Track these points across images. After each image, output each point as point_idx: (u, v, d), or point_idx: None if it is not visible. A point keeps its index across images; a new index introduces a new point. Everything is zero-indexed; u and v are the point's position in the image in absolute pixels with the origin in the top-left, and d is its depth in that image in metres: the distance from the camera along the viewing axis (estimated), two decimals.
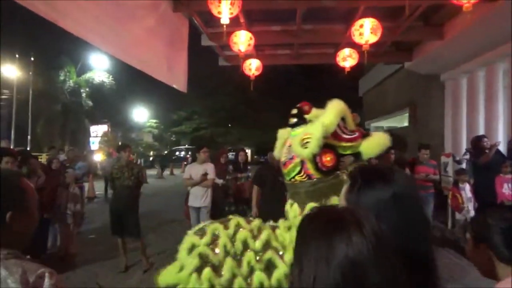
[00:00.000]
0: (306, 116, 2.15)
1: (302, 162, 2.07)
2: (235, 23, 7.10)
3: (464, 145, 9.16)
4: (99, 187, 12.95)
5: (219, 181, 6.10)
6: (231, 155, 10.58)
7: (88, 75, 25.24)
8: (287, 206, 2.20)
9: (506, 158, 6.60)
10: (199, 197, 5.42)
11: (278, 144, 2.33)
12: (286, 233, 2.05)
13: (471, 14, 6.93)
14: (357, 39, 6.32)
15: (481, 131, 8.62)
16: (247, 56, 8.77)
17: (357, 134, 2.09)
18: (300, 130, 2.11)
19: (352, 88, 21.50)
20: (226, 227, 2.00)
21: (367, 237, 0.79)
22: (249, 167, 7.04)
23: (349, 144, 2.04)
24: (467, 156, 7.29)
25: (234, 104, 29.50)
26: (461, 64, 9.37)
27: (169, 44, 7.34)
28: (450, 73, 10.11)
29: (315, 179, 2.05)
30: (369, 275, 0.76)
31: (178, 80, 7.82)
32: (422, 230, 1.05)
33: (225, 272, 1.84)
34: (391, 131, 14.88)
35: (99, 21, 5.09)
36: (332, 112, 1.98)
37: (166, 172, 23.88)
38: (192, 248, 1.93)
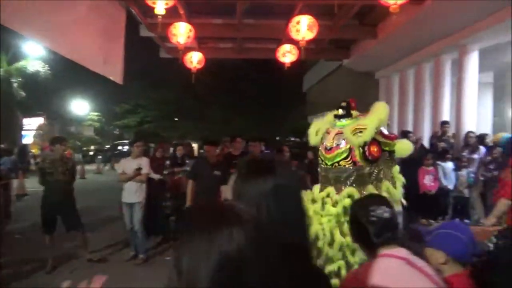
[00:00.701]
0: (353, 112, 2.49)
1: (350, 149, 2.34)
2: (174, 14, 6.95)
3: None
4: (34, 183, 12.10)
5: (155, 176, 5.96)
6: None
7: (20, 64, 23.44)
8: (315, 189, 2.49)
9: (428, 151, 7.10)
10: (133, 193, 5.27)
11: (313, 132, 2.58)
12: (310, 204, 2.39)
13: (398, 15, 7.35)
14: (294, 35, 6.45)
15: (410, 126, 9.21)
16: (188, 48, 8.65)
17: (394, 135, 2.47)
18: (347, 122, 2.42)
19: (297, 84, 21.97)
20: None
21: (248, 233, 0.79)
22: (187, 161, 6.95)
23: (389, 141, 2.38)
24: None
25: (180, 98, 28.84)
26: (393, 63, 9.92)
27: (104, 34, 7.00)
28: (384, 71, 10.67)
29: (359, 166, 2.34)
30: (248, 271, 0.77)
31: (114, 71, 7.50)
32: (300, 222, 1.09)
33: None
34: None
35: (26, 7, 4.75)
36: (383, 111, 2.33)
37: (107, 167, 22.97)
38: None
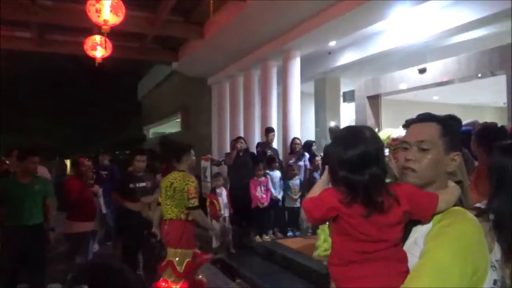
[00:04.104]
0: None
1: None
2: None
3: (228, 147, 9.17)
4: None
5: None
6: None
7: None
8: None
9: (259, 161, 6.60)
10: None
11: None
12: None
13: (222, 13, 6.80)
14: (93, 17, 5.10)
15: (242, 133, 8.78)
16: None
17: None
18: None
19: (131, 91, 20.21)
20: None
21: None
22: None
23: None
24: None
25: None
26: (223, 68, 9.45)
27: None
28: (215, 77, 10.14)
29: None
30: None
31: None
32: None
33: None
34: (164, 138, 14.32)
35: None
36: None
37: None
38: None
